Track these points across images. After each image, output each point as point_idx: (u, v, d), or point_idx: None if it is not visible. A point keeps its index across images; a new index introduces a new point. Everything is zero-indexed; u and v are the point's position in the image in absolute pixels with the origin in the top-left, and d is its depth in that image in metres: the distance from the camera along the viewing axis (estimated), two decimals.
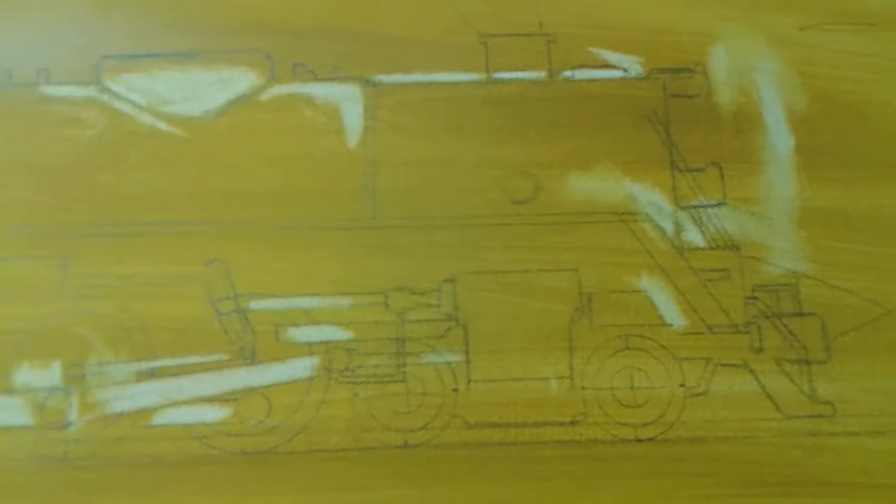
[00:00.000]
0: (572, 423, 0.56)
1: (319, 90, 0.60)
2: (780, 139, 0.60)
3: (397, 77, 0.61)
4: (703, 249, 0.58)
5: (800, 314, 0.57)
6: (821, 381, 0.56)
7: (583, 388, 0.56)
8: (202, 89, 0.60)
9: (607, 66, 0.62)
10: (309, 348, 0.56)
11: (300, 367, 0.56)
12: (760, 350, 0.57)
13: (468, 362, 0.56)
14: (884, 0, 0.63)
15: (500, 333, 0.57)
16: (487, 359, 0.56)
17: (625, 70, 0.62)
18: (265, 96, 0.60)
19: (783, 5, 0.63)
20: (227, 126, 0.60)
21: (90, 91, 0.60)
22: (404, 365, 0.56)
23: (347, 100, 0.60)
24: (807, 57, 0.62)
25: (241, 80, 0.60)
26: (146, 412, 0.55)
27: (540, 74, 0.61)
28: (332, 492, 0.54)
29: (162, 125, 0.60)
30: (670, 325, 0.57)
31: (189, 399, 0.55)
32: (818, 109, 0.61)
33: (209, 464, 0.54)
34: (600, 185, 0.59)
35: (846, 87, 0.62)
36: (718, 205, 0.59)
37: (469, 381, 0.56)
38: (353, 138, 0.60)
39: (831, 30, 0.63)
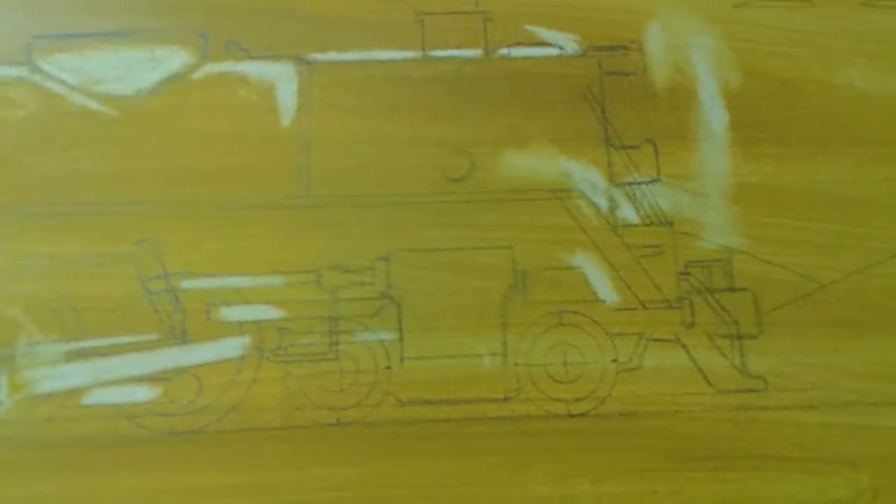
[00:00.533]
0: (505, 400, 0.56)
1: (253, 68, 0.60)
2: (714, 115, 0.61)
3: (332, 55, 0.61)
4: (636, 226, 0.59)
5: (732, 289, 0.58)
6: (752, 356, 0.57)
7: (516, 364, 0.56)
8: (135, 68, 0.60)
9: (543, 43, 0.62)
10: (240, 327, 0.56)
11: (231, 347, 0.56)
12: (692, 325, 0.57)
13: (402, 340, 0.56)
14: None
15: (434, 311, 0.57)
16: (421, 336, 0.56)
17: (561, 48, 0.62)
18: (198, 75, 0.60)
19: None
20: (160, 105, 0.59)
21: (21, 71, 0.60)
22: (337, 343, 0.56)
23: (281, 78, 0.60)
24: (742, 33, 0.62)
25: (174, 58, 0.60)
26: (76, 392, 0.55)
27: (476, 52, 0.61)
28: (263, 470, 0.54)
29: (93, 105, 0.59)
30: (604, 301, 0.57)
31: (119, 379, 0.55)
32: (753, 86, 0.61)
33: (139, 443, 0.54)
34: (535, 163, 0.59)
35: (781, 63, 0.62)
36: (652, 181, 0.59)
37: (402, 359, 0.56)
38: (286, 116, 0.59)
39: (767, 6, 0.63)
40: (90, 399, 0.55)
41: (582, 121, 0.60)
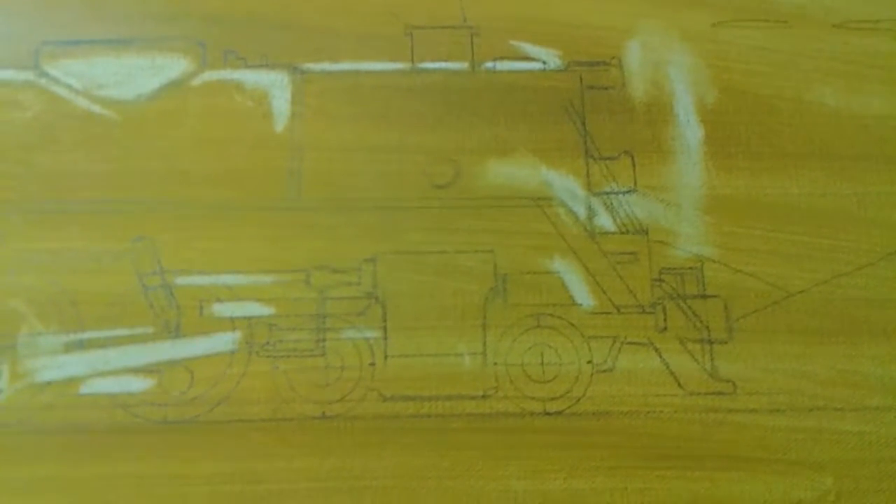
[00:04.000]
0: (484, 397, 0.58)
1: (249, 76, 0.63)
2: (689, 130, 0.63)
3: (325, 65, 0.63)
4: (613, 234, 0.61)
5: (703, 296, 0.60)
6: (722, 360, 0.59)
7: (495, 363, 0.59)
8: (136, 74, 0.63)
9: (527, 58, 0.64)
10: (231, 323, 0.58)
11: (222, 341, 0.58)
12: (665, 329, 0.59)
13: (386, 338, 0.59)
14: None
15: (417, 311, 0.59)
16: (404, 335, 0.59)
17: (544, 62, 0.64)
18: (196, 82, 0.63)
19: (696, 2, 0.66)
20: (159, 109, 0.62)
21: (28, 75, 0.63)
22: (324, 340, 0.59)
23: (276, 86, 0.63)
24: (718, 51, 0.65)
25: (174, 65, 0.63)
26: (74, 381, 0.57)
27: (463, 65, 0.64)
28: (250, 460, 0.56)
29: (96, 108, 0.62)
30: (580, 304, 0.60)
31: (115, 370, 0.57)
32: (727, 102, 0.64)
33: (133, 432, 0.57)
34: (518, 171, 0.62)
35: (756, 80, 0.64)
36: (629, 191, 0.62)
37: (386, 357, 0.58)
38: (280, 123, 0.62)
39: (743, 26, 0.66)
40: (87, 388, 0.57)
41: (563, 132, 0.63)
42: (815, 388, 0.58)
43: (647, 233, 0.61)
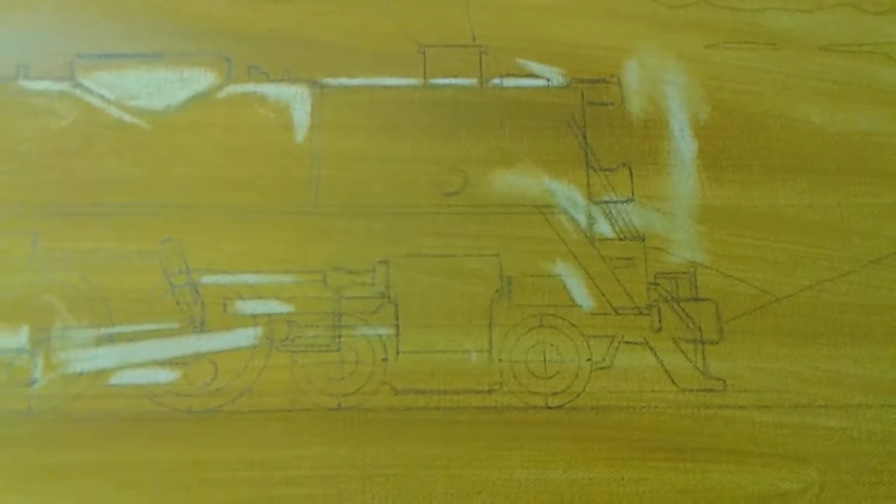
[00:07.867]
0: (489, 392, 0.61)
1: (271, 90, 0.67)
2: (684, 144, 0.67)
3: (343, 80, 0.67)
4: (611, 240, 0.64)
5: (696, 299, 0.63)
6: (713, 359, 0.62)
7: (500, 360, 0.62)
8: (165, 86, 0.66)
9: (532, 75, 0.68)
10: (253, 319, 0.62)
11: (244, 336, 0.61)
12: (660, 330, 0.63)
13: (398, 335, 0.62)
14: (782, 23, 0.70)
15: (427, 310, 0.62)
16: (415, 333, 0.62)
17: (548, 79, 0.68)
18: (222, 94, 0.66)
19: (691, 25, 0.70)
20: (186, 120, 0.66)
21: (64, 86, 0.66)
22: (339, 336, 0.62)
23: (296, 99, 0.66)
24: (711, 72, 0.68)
25: (201, 79, 0.67)
26: (104, 373, 0.60)
27: (471, 81, 0.68)
28: (270, 448, 0.59)
29: (127, 117, 0.66)
30: (580, 306, 0.63)
31: (143, 362, 0.60)
32: (720, 119, 0.67)
33: (159, 420, 0.59)
34: (522, 181, 0.65)
35: (746, 99, 0.68)
36: (627, 201, 0.65)
37: (398, 353, 0.61)
38: (300, 134, 0.66)
39: (734, 48, 0.69)
40: (116, 379, 0.60)
41: (565, 145, 0.66)
42: (801, 386, 0.61)
43: (643, 239, 0.64)
